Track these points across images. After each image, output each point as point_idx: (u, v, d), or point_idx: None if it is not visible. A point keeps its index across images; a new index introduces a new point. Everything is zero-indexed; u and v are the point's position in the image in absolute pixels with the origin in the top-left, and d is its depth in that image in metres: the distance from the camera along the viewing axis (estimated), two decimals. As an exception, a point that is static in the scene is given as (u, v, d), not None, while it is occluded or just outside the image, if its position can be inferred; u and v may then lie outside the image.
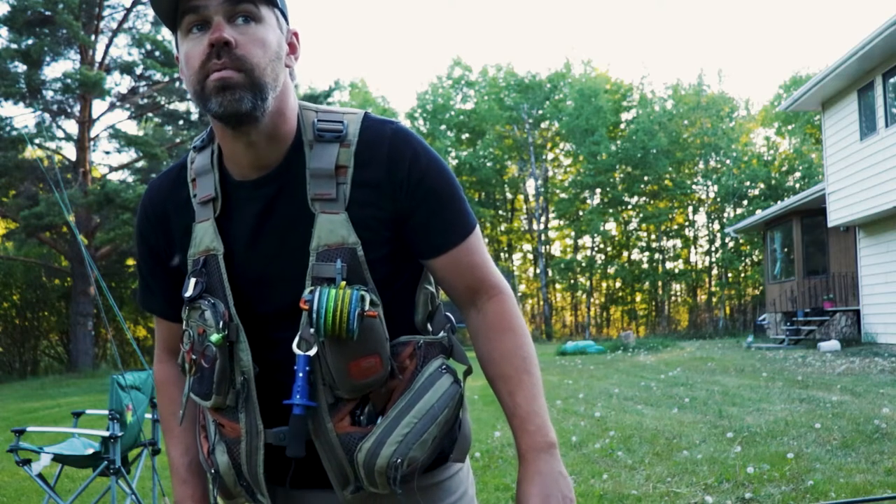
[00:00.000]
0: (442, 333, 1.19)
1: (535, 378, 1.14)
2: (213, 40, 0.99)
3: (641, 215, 32.19)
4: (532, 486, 1.09)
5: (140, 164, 23.41)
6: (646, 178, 31.14)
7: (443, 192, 1.14)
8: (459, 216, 1.15)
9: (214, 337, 1.05)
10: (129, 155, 23.41)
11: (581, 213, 31.78)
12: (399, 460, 1.04)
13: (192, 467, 1.24)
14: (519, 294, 33.21)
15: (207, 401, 1.10)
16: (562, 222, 33.77)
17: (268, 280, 1.10)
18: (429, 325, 1.21)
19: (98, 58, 21.05)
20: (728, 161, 30.93)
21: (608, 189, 31.44)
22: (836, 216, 14.15)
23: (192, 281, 1.10)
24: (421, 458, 1.07)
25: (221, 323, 1.06)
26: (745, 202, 29.88)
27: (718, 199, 31.02)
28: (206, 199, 1.12)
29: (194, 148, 1.17)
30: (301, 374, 1.03)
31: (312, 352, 1.04)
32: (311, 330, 1.02)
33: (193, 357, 1.09)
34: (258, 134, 1.07)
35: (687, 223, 32.93)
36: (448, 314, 1.23)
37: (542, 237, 32.97)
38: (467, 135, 34.18)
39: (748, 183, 29.69)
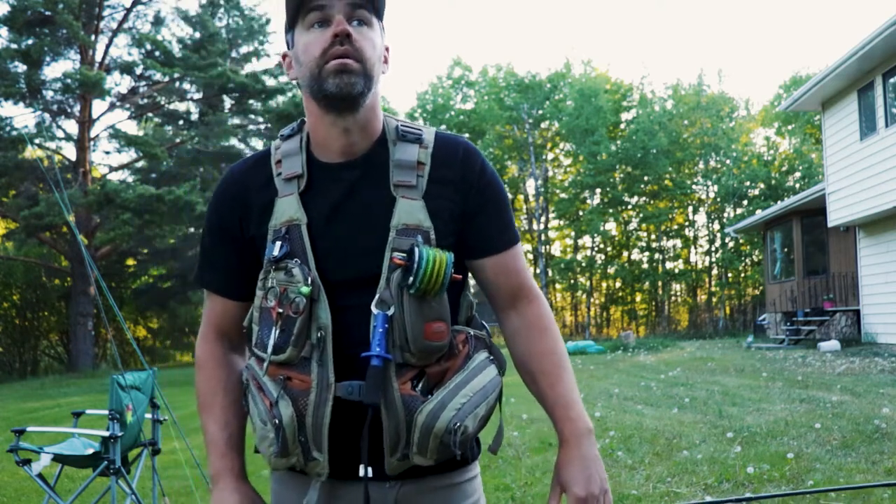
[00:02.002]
0: (483, 332, 1.32)
1: (570, 373, 1.32)
2: (337, 31, 1.17)
3: (641, 215, 32.18)
4: (575, 468, 1.24)
5: (140, 164, 23.42)
6: (646, 178, 31.12)
7: (502, 201, 1.33)
8: (512, 224, 1.34)
9: (305, 288, 1.17)
10: (129, 155, 23.44)
11: (581, 213, 31.77)
12: (457, 424, 1.15)
13: (230, 441, 1.31)
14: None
15: (282, 354, 1.19)
16: (562, 222, 33.77)
17: (345, 251, 1.22)
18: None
19: (98, 58, 21.06)
20: (728, 161, 30.92)
21: (608, 189, 31.44)
22: (836, 216, 14.15)
23: (277, 244, 1.22)
24: (472, 430, 1.18)
25: (309, 279, 1.18)
26: (745, 202, 29.87)
27: (718, 199, 31.02)
28: (292, 175, 1.26)
29: (281, 136, 1.31)
30: (380, 330, 1.15)
31: (390, 311, 1.17)
32: (389, 293, 1.17)
33: (280, 311, 1.19)
34: (355, 122, 1.23)
35: (687, 223, 32.93)
36: (483, 322, 1.37)
37: (542, 237, 32.96)
38: (467, 135, 34.16)
39: (748, 183, 29.68)
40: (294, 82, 1.29)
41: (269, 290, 1.21)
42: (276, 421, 1.17)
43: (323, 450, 1.19)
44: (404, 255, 1.18)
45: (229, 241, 1.31)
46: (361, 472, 1.19)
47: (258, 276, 1.27)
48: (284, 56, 1.30)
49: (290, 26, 1.25)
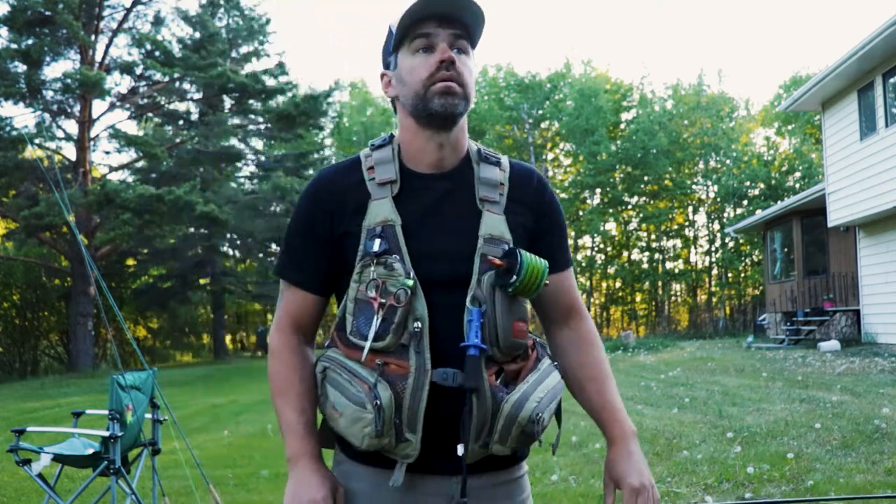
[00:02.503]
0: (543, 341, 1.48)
1: (614, 381, 1.49)
2: (444, 58, 1.33)
3: (641, 215, 32.18)
4: (627, 463, 1.39)
5: (140, 164, 23.41)
6: (646, 178, 31.12)
7: (564, 226, 1.53)
8: (569, 248, 1.53)
9: (409, 281, 1.28)
10: (129, 155, 23.43)
11: (581, 213, 31.76)
12: (539, 415, 1.29)
13: (308, 426, 1.38)
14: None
15: (381, 341, 1.29)
16: (562, 222, 33.72)
17: (435, 253, 1.34)
18: None
19: (98, 58, 21.04)
20: (728, 161, 30.92)
21: (608, 189, 31.43)
22: (836, 216, 14.15)
23: (377, 241, 1.32)
24: (547, 422, 1.33)
25: (411, 273, 1.30)
26: (745, 202, 29.86)
27: (718, 199, 31.02)
28: (386, 181, 1.38)
29: (371, 146, 1.45)
30: (476, 324, 1.28)
31: (483, 308, 1.30)
32: (481, 291, 1.31)
33: (382, 301, 1.29)
34: (448, 139, 1.39)
35: (687, 223, 32.92)
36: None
37: (543, 237, 32.89)
38: (467, 135, 34.07)
39: (748, 183, 29.67)
40: (390, 99, 1.45)
41: (368, 282, 1.31)
42: (378, 402, 1.25)
43: (416, 431, 1.28)
44: (502, 257, 1.34)
45: (316, 237, 1.41)
46: (460, 451, 1.28)
47: (336, 274, 1.41)
48: (383, 75, 1.45)
49: (394, 49, 1.40)
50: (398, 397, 1.27)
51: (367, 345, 1.29)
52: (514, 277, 1.30)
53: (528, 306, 1.42)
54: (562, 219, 1.52)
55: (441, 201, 1.38)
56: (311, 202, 1.42)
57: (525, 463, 1.48)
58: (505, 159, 1.47)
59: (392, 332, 1.28)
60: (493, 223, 1.38)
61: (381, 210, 1.36)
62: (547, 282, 1.35)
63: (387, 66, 1.44)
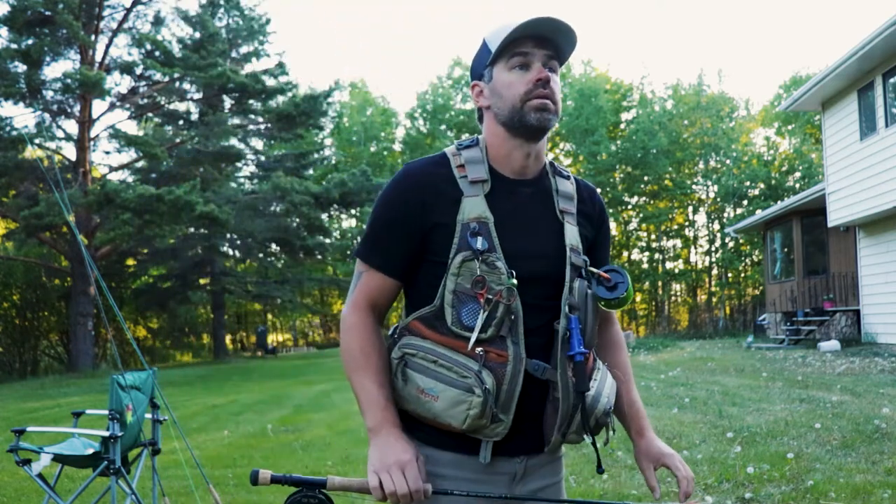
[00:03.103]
0: None
1: (633, 380, 1.67)
2: (542, 77, 1.44)
3: (641, 215, 32.19)
4: (660, 445, 1.62)
5: (140, 164, 23.40)
6: (646, 178, 31.13)
7: (610, 239, 1.69)
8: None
9: (514, 281, 1.38)
10: (129, 155, 23.42)
11: (581, 213, 31.72)
12: (610, 408, 1.48)
13: (389, 398, 1.44)
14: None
15: (484, 333, 1.38)
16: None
17: (523, 253, 1.44)
18: None
19: (98, 58, 21.05)
20: (728, 161, 30.93)
21: (608, 189, 31.44)
22: (836, 216, 14.15)
23: (479, 239, 1.40)
24: (611, 418, 1.50)
25: (513, 273, 1.40)
26: (745, 202, 29.87)
27: (718, 199, 31.02)
28: (478, 179, 1.46)
29: (458, 146, 1.53)
30: (577, 330, 1.42)
31: (577, 314, 1.44)
32: (574, 298, 1.45)
33: (489, 297, 1.38)
34: (534, 149, 1.50)
35: (687, 223, 32.93)
36: None
37: (542, 237, 32.92)
38: (467, 135, 34.12)
39: (748, 183, 29.68)
40: (481, 108, 1.53)
41: (470, 276, 1.39)
42: (486, 386, 1.36)
43: (509, 412, 1.39)
44: (605, 271, 1.50)
45: (405, 224, 1.46)
46: (588, 440, 1.48)
47: (418, 262, 1.48)
48: (474, 85, 1.54)
49: (490, 63, 1.49)
50: (499, 382, 1.38)
51: (475, 336, 1.37)
52: (623, 294, 1.47)
53: None
54: (610, 232, 1.68)
55: (526, 205, 1.50)
56: (402, 191, 1.47)
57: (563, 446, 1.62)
58: (572, 175, 1.62)
59: (494, 325, 1.38)
60: (573, 234, 1.52)
61: (476, 207, 1.43)
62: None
63: (479, 77, 1.53)
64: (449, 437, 1.42)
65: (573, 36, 1.47)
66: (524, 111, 1.44)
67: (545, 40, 1.46)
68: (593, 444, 1.49)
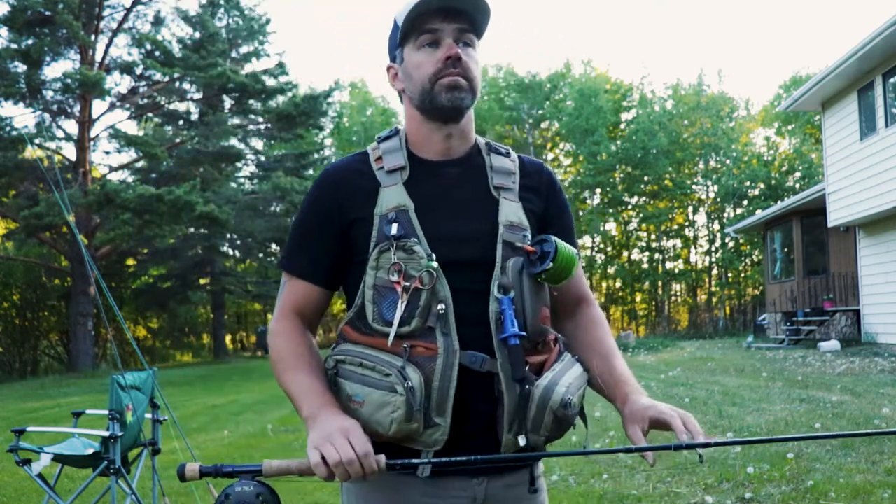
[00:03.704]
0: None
1: (622, 359, 1.48)
2: (451, 54, 1.34)
3: (641, 215, 32.17)
4: (645, 399, 1.36)
5: (140, 164, 23.40)
6: (646, 178, 31.12)
7: (572, 220, 1.56)
8: (575, 240, 1.51)
9: (434, 263, 1.28)
10: (129, 155, 23.42)
11: (581, 213, 31.76)
12: (570, 398, 1.29)
13: (325, 386, 1.32)
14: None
15: (407, 326, 1.28)
16: (562, 222, 33.70)
17: (450, 237, 1.34)
18: None
19: (98, 58, 21.03)
20: (728, 161, 30.92)
21: (608, 189, 31.44)
22: (836, 216, 14.15)
23: (394, 225, 1.32)
24: (576, 409, 1.32)
25: (433, 255, 1.29)
26: (745, 202, 29.86)
27: (718, 199, 31.01)
28: (395, 167, 1.38)
29: (378, 139, 1.45)
30: (510, 312, 1.28)
31: (511, 295, 1.30)
32: (507, 278, 1.32)
33: (406, 284, 1.28)
34: (456, 129, 1.41)
35: (687, 223, 32.92)
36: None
37: (543, 237, 32.89)
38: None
39: (748, 183, 29.67)
40: (400, 92, 1.44)
41: (389, 266, 1.29)
42: (409, 384, 1.23)
43: (445, 415, 1.26)
44: (533, 244, 1.35)
45: (324, 228, 1.40)
46: (522, 442, 1.29)
47: (343, 266, 1.40)
48: (389, 68, 1.45)
49: (400, 43, 1.39)
50: (427, 379, 1.25)
51: (394, 329, 1.27)
52: (550, 264, 1.31)
53: (548, 294, 1.41)
54: (568, 209, 1.54)
55: (452, 185, 1.40)
56: (318, 194, 1.41)
57: (541, 463, 1.47)
58: (513, 152, 1.50)
59: (417, 316, 1.27)
60: (512, 210, 1.39)
61: (394, 196, 1.35)
62: (577, 269, 1.36)
63: (393, 59, 1.44)
64: (389, 453, 1.23)
65: (483, 4, 1.36)
66: (434, 92, 1.35)
67: (456, 13, 1.35)
68: (538, 442, 1.32)
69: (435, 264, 1.28)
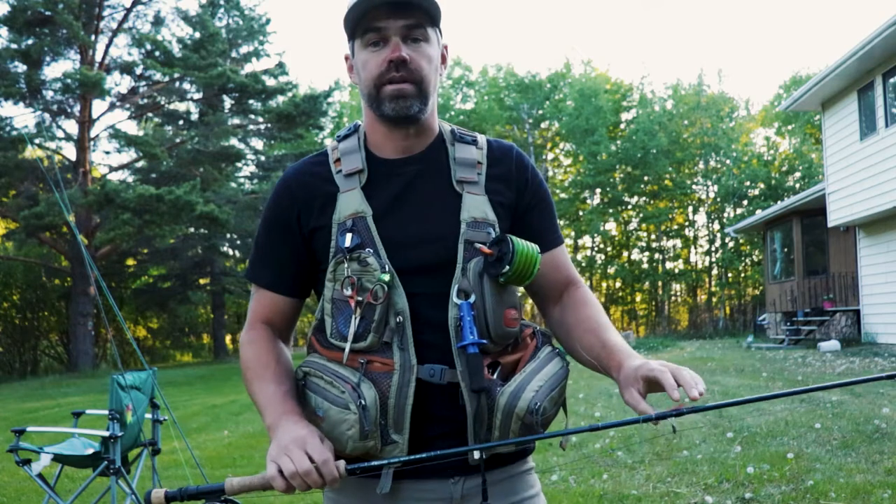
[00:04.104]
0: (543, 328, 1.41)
1: (616, 332, 1.37)
2: (393, 58, 1.24)
3: (641, 215, 32.17)
4: (639, 360, 1.26)
5: (140, 164, 23.40)
6: (646, 178, 31.11)
7: (551, 202, 1.44)
8: (558, 225, 1.45)
9: (385, 276, 1.22)
10: (129, 155, 23.43)
11: (581, 213, 31.77)
12: (538, 405, 1.22)
13: (288, 394, 1.29)
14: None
15: (363, 341, 1.23)
16: (562, 222, 33.72)
17: (411, 240, 1.28)
18: None
19: (98, 58, 21.05)
20: (728, 161, 30.91)
21: (608, 189, 31.43)
22: (836, 216, 14.15)
23: (348, 235, 1.26)
24: (550, 411, 1.25)
25: (387, 266, 1.23)
26: (745, 202, 29.86)
27: (718, 199, 31.01)
28: (353, 171, 1.31)
29: (337, 137, 1.38)
30: (468, 318, 1.22)
31: (472, 299, 1.23)
32: (467, 281, 1.25)
33: (359, 299, 1.23)
34: (413, 128, 1.31)
35: (687, 223, 32.92)
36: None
37: (542, 237, 32.87)
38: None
39: (748, 183, 29.67)
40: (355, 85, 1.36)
41: (343, 280, 1.25)
42: (362, 401, 1.19)
43: (403, 432, 1.22)
44: (491, 244, 1.26)
45: (285, 237, 1.35)
46: (476, 455, 1.21)
47: (310, 274, 1.35)
48: (347, 58, 1.37)
49: (350, 38, 1.31)
50: (383, 396, 1.21)
51: (348, 346, 1.23)
52: (507, 267, 1.23)
53: (520, 292, 1.35)
54: (547, 195, 1.43)
55: (412, 185, 1.31)
56: (278, 200, 1.35)
57: (531, 458, 1.41)
58: (482, 138, 1.40)
59: (373, 331, 1.23)
60: (476, 204, 1.30)
61: (351, 202, 1.29)
62: (538, 267, 1.28)
63: (350, 51, 1.34)
64: (355, 462, 1.22)
65: (427, 5, 1.26)
66: (380, 98, 1.27)
67: (402, 7, 1.24)
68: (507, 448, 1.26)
69: (387, 277, 1.22)
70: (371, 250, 1.25)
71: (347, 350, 1.24)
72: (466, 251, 1.27)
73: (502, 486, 1.32)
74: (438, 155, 1.35)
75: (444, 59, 1.36)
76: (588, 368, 1.36)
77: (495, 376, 1.26)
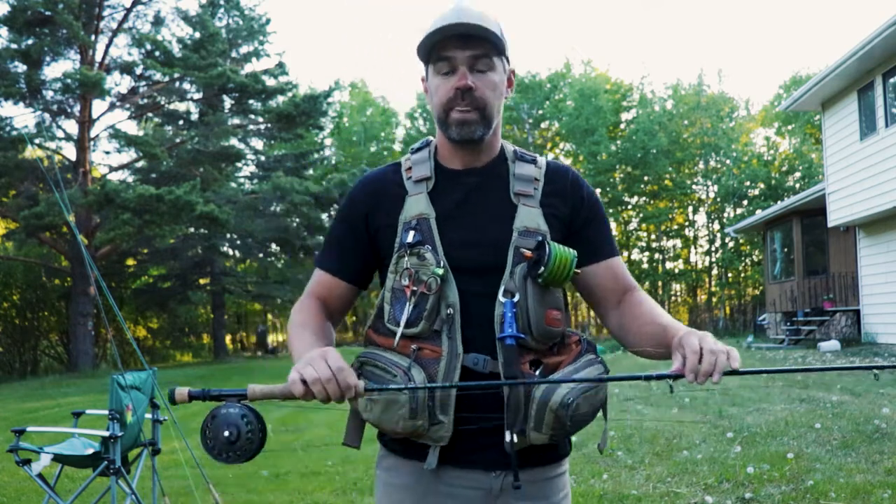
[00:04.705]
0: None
1: (675, 320, 1.45)
2: (460, 86, 1.38)
3: (641, 215, 32.17)
4: (686, 333, 1.32)
5: (140, 164, 23.39)
6: (646, 178, 31.12)
7: (605, 218, 1.58)
8: (613, 238, 1.58)
9: (439, 269, 1.36)
10: (129, 155, 23.40)
11: (581, 213, 31.73)
12: (571, 400, 1.31)
13: (326, 342, 1.43)
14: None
15: (414, 327, 1.37)
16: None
17: (468, 243, 1.41)
18: None
19: (98, 58, 21.02)
20: (728, 161, 30.92)
21: (608, 189, 31.42)
22: (836, 216, 14.14)
23: (411, 233, 1.41)
24: (583, 410, 1.34)
25: (442, 262, 1.37)
26: (745, 202, 29.86)
27: (718, 199, 31.01)
28: (421, 178, 1.47)
29: (412, 150, 1.54)
30: (509, 315, 1.35)
31: (516, 298, 1.36)
32: (513, 283, 1.37)
33: (414, 288, 1.37)
34: (478, 148, 1.47)
35: (687, 223, 32.92)
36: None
37: (542, 237, 32.89)
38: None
39: (748, 183, 29.68)
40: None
41: (402, 271, 1.39)
42: (412, 384, 1.32)
43: (448, 413, 1.33)
44: (532, 249, 1.39)
45: (352, 230, 1.51)
46: (507, 438, 1.32)
47: (370, 266, 1.52)
48: (423, 80, 1.51)
49: (424, 63, 1.46)
50: (431, 380, 1.33)
51: (400, 330, 1.37)
52: (542, 268, 1.35)
53: (561, 296, 1.44)
54: (601, 211, 1.56)
55: (473, 194, 1.46)
56: (353, 198, 1.52)
57: (567, 461, 1.51)
58: (542, 159, 1.54)
59: (424, 318, 1.36)
60: (529, 216, 1.44)
61: (417, 204, 1.44)
62: (577, 270, 1.40)
63: (426, 76, 1.50)
64: (411, 446, 1.39)
65: (491, 34, 1.37)
66: (448, 123, 1.42)
67: (470, 38, 1.38)
68: (540, 439, 1.35)
69: (441, 271, 1.36)
70: (430, 247, 1.39)
71: (399, 333, 1.37)
72: (515, 256, 1.40)
73: (537, 486, 1.43)
74: (499, 170, 1.49)
75: (510, 83, 1.50)
76: (659, 359, 1.44)
77: (537, 373, 1.38)
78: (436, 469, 1.38)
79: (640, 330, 1.45)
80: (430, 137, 1.55)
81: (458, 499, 1.41)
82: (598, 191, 30.93)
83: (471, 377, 1.35)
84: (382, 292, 1.44)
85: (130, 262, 25.94)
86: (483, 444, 1.37)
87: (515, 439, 1.32)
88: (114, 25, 21.51)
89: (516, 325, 1.34)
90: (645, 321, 1.45)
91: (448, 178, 1.48)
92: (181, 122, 25.19)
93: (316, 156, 27.72)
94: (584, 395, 1.34)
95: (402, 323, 1.36)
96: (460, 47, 1.38)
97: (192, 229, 22.08)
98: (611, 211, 31.76)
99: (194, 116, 24.79)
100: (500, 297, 1.37)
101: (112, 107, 22.06)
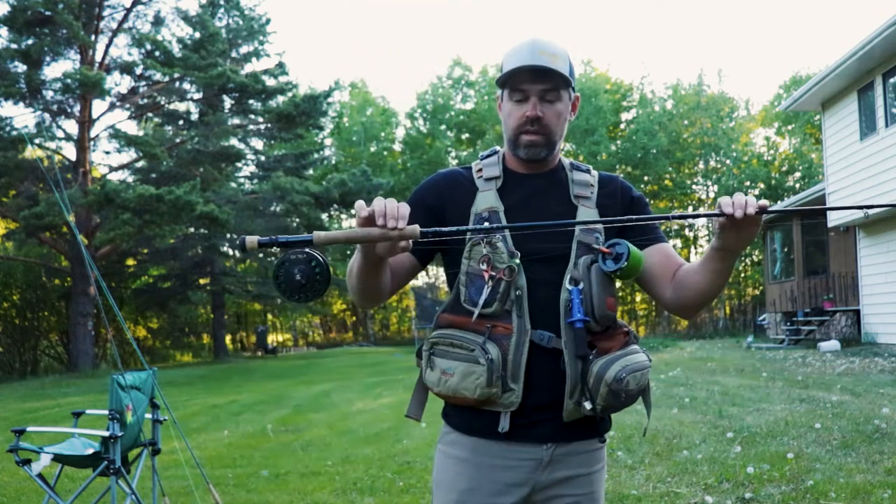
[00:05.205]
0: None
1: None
2: (530, 115, 1.61)
3: (641, 215, 32.13)
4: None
5: (140, 164, 23.39)
6: (646, 178, 31.12)
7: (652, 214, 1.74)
8: (660, 234, 1.74)
9: (516, 260, 1.55)
10: (129, 155, 23.40)
11: (581, 213, 31.73)
12: (624, 376, 1.52)
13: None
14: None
15: (489, 308, 1.55)
16: (562, 222, 33.68)
17: (535, 236, 1.55)
18: None
19: (98, 58, 21.02)
20: (728, 161, 30.92)
21: (608, 189, 31.39)
22: (836, 216, 14.15)
23: (485, 224, 1.59)
24: (633, 387, 1.54)
25: (511, 252, 1.56)
26: (745, 202, 29.84)
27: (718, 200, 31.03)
28: (491, 177, 1.68)
29: (481, 157, 1.74)
30: (577, 301, 1.54)
31: (580, 286, 1.55)
32: (578, 271, 1.56)
33: (492, 273, 1.55)
34: (542, 164, 1.68)
35: (687, 223, 32.92)
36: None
37: (542, 237, 32.87)
38: (467, 135, 34.15)
39: (748, 183, 29.68)
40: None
41: (479, 258, 1.56)
42: (489, 356, 1.51)
43: (518, 381, 1.54)
44: (610, 245, 1.56)
45: (425, 214, 1.64)
46: (588, 406, 1.53)
47: (432, 250, 1.67)
48: (497, 98, 1.71)
49: (501, 88, 1.65)
50: (504, 353, 1.53)
51: (478, 308, 1.55)
52: (625, 263, 1.52)
53: (616, 286, 1.63)
54: (648, 209, 1.77)
55: (537, 194, 1.67)
56: (431, 186, 1.71)
57: (606, 438, 1.71)
58: (594, 170, 1.76)
59: (498, 300, 1.54)
60: (588, 215, 1.65)
61: (487, 199, 1.64)
62: (643, 266, 1.59)
63: (500, 95, 1.70)
64: (473, 419, 1.58)
65: (561, 76, 1.58)
66: (517, 144, 1.64)
67: (542, 73, 1.58)
68: (594, 410, 1.53)
69: (517, 261, 1.54)
70: (501, 237, 1.56)
71: (478, 311, 1.55)
72: (578, 249, 1.59)
73: (580, 458, 1.63)
74: (559, 176, 1.71)
75: (574, 108, 1.71)
76: (718, 291, 1.59)
77: (591, 355, 1.56)
78: (494, 442, 1.57)
79: (689, 274, 1.61)
80: (498, 147, 1.75)
81: (511, 469, 1.59)
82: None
83: (537, 350, 1.55)
84: (458, 277, 1.60)
85: (130, 262, 25.94)
86: (538, 419, 1.56)
87: (589, 406, 1.53)
88: (114, 25, 21.52)
89: (583, 310, 1.52)
90: (693, 269, 1.61)
91: (514, 179, 1.68)
92: (181, 122, 25.18)
93: (316, 156, 27.71)
94: (632, 375, 1.53)
95: (480, 304, 1.54)
96: (533, 81, 1.59)
97: (192, 229, 22.08)
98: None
99: (194, 116, 24.79)
100: (567, 285, 1.56)
101: (112, 107, 22.06)
